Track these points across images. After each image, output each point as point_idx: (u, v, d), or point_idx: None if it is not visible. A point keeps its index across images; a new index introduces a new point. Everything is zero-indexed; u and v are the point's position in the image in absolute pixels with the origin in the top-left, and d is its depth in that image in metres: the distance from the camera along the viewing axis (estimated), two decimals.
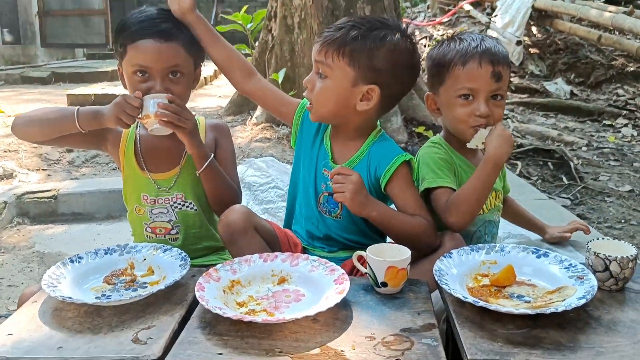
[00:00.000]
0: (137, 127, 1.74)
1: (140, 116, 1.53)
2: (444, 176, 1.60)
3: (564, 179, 3.68)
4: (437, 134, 1.78)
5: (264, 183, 2.83)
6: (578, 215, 3.05)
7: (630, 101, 6.30)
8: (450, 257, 1.40)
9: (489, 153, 1.54)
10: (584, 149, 4.57)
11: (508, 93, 1.64)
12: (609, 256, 1.30)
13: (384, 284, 1.31)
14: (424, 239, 1.51)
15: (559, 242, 2.00)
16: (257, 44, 5.25)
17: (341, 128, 1.66)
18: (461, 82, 1.60)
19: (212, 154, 1.66)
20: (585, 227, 1.98)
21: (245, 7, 5.56)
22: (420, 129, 4.22)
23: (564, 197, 3.40)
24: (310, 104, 1.63)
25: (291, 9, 4.49)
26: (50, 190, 3.16)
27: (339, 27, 1.57)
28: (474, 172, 1.57)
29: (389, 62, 1.55)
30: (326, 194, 1.66)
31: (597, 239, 1.42)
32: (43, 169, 3.71)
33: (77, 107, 1.61)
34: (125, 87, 1.66)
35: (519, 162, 3.84)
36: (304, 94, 1.64)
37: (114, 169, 3.71)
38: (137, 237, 1.79)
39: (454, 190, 1.58)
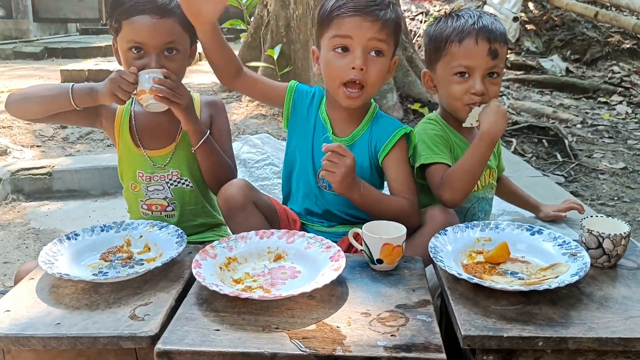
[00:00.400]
0: (132, 103, 1.73)
1: (135, 92, 1.52)
2: (440, 152, 1.60)
3: (558, 156, 3.69)
4: (434, 111, 1.78)
5: (260, 160, 2.83)
6: (572, 193, 3.07)
7: (626, 78, 6.29)
8: (445, 234, 1.41)
9: (484, 129, 1.54)
10: (579, 126, 4.57)
11: (504, 70, 1.63)
12: (602, 233, 1.32)
13: (380, 261, 1.32)
14: (405, 221, 1.46)
15: (554, 220, 2.02)
16: (252, 19, 5.19)
17: None
18: (457, 60, 1.60)
19: (208, 131, 1.65)
20: (579, 206, 2.00)
21: None
22: (416, 106, 4.21)
23: (558, 174, 3.41)
24: (356, 89, 1.56)
25: None
26: (44, 167, 3.14)
27: (377, 2, 1.55)
28: (469, 148, 1.57)
29: (401, 29, 1.62)
30: None
31: (591, 216, 1.43)
32: (37, 146, 3.69)
33: (71, 84, 1.59)
34: (120, 63, 1.65)
35: (513, 140, 3.84)
36: (353, 76, 1.55)
37: (108, 146, 3.69)
38: (133, 213, 1.79)
39: (449, 166, 1.58)
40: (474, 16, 1.62)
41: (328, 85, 1.64)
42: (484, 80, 1.59)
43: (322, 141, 1.65)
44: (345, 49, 1.55)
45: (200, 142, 1.62)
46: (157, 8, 1.56)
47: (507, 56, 6.93)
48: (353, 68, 1.53)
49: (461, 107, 1.62)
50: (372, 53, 1.55)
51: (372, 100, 1.71)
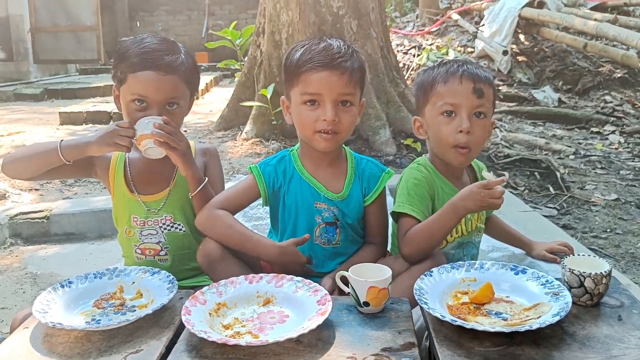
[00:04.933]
0: (124, 156, 1.78)
1: (135, 138, 1.56)
2: (413, 204, 1.64)
3: (551, 188, 3.73)
4: (424, 155, 1.82)
5: None
6: (564, 226, 3.10)
7: (618, 108, 6.38)
8: (431, 276, 1.44)
9: (453, 199, 1.57)
10: (572, 157, 4.62)
11: (496, 102, 1.68)
12: (584, 272, 1.34)
13: (366, 304, 1.34)
14: None
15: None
16: (246, 59, 5.30)
17: (325, 154, 1.69)
18: (443, 99, 1.64)
19: (206, 178, 1.69)
20: (568, 249, 1.98)
21: (234, 23, 5.61)
22: (409, 141, 4.27)
23: (550, 207, 3.44)
24: (331, 133, 1.61)
25: (279, 25, 4.55)
26: (42, 211, 3.18)
27: (344, 53, 1.61)
28: (436, 212, 1.60)
29: (366, 72, 1.71)
30: (323, 225, 1.70)
31: (572, 255, 1.47)
32: (35, 189, 3.73)
33: (60, 140, 1.64)
34: (120, 110, 1.71)
35: (505, 173, 3.88)
36: (322, 127, 1.61)
37: (104, 188, 3.72)
38: (128, 258, 1.82)
39: (418, 220, 1.62)
40: (459, 62, 1.69)
41: (301, 133, 1.69)
42: (470, 118, 1.63)
43: (314, 200, 1.69)
44: (314, 102, 1.61)
45: (199, 189, 1.65)
46: (164, 65, 1.62)
47: (500, 88, 7.05)
48: (324, 120, 1.59)
49: (449, 149, 1.65)
50: (341, 104, 1.61)
51: (343, 147, 1.77)
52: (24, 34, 10.31)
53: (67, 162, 1.61)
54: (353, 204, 1.70)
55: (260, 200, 2.81)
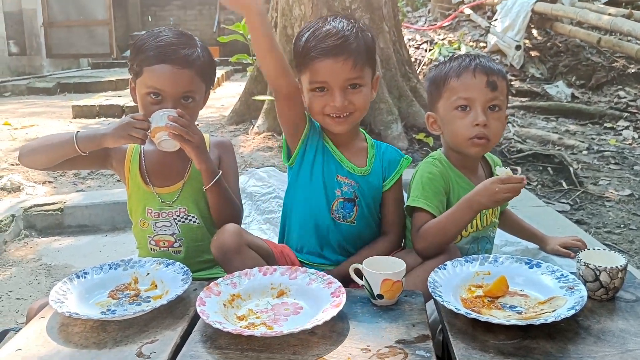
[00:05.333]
0: (139, 148, 1.79)
1: (149, 130, 1.57)
2: (427, 198, 1.64)
3: (564, 184, 3.70)
4: (438, 149, 1.81)
5: (266, 193, 2.87)
6: (577, 221, 3.08)
7: (632, 103, 6.31)
8: (445, 269, 1.44)
9: (468, 194, 1.56)
10: (585, 152, 4.59)
11: (509, 97, 1.67)
12: (599, 267, 1.34)
13: (380, 296, 1.34)
14: None
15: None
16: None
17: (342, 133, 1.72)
18: (457, 93, 1.64)
19: (220, 171, 1.70)
20: (581, 244, 1.97)
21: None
22: (421, 136, 4.26)
23: (563, 203, 3.42)
24: (344, 116, 1.65)
25: (291, 19, 4.55)
26: (56, 203, 3.20)
27: (346, 36, 1.60)
28: (451, 207, 1.60)
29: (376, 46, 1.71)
30: (341, 200, 1.72)
31: (588, 249, 1.46)
32: (49, 182, 3.76)
33: (75, 131, 1.65)
34: (136, 102, 1.72)
35: (518, 168, 3.87)
36: (335, 112, 1.64)
37: (118, 181, 3.76)
38: (142, 250, 1.83)
39: (433, 215, 1.62)
40: (471, 56, 1.69)
41: (314, 118, 1.71)
42: (485, 112, 1.62)
43: (335, 173, 1.72)
44: (323, 89, 1.63)
45: (213, 182, 1.66)
46: (180, 59, 1.63)
47: (512, 83, 7.01)
48: (334, 105, 1.62)
49: (465, 142, 1.65)
50: (350, 87, 1.63)
51: (361, 130, 1.81)
52: (37, 28, 10.38)
53: (82, 154, 1.62)
54: (373, 182, 1.73)
55: (272, 193, 2.85)
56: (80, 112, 5.65)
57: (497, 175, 1.55)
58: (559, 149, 4.55)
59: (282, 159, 1.82)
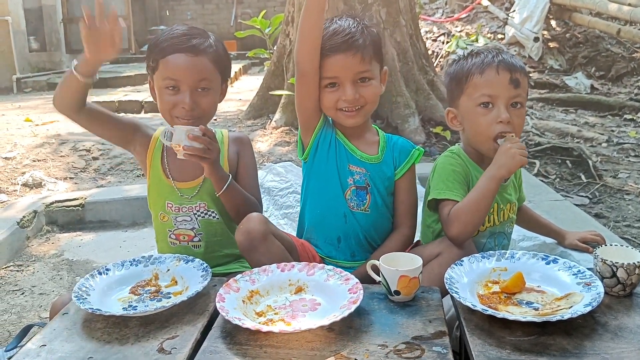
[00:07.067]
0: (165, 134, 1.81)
1: (171, 144, 1.61)
2: (453, 189, 1.64)
3: (583, 177, 3.67)
4: (457, 144, 1.81)
5: (283, 188, 2.89)
6: (596, 215, 3.06)
7: None
8: (461, 265, 1.44)
9: (491, 169, 1.58)
10: (604, 144, 4.54)
11: (528, 89, 1.68)
12: (616, 263, 1.34)
13: (397, 293, 1.36)
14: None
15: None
16: (275, 48, 5.31)
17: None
18: (480, 90, 1.64)
19: (230, 176, 1.71)
20: (600, 238, 1.96)
21: (263, 12, 5.61)
22: (438, 129, 4.24)
23: (582, 196, 3.40)
24: (356, 109, 1.69)
25: None
26: (77, 199, 3.26)
27: (354, 32, 1.66)
28: (475, 185, 1.60)
29: (381, 42, 1.75)
30: (354, 188, 1.75)
31: (605, 245, 1.46)
32: (70, 178, 3.82)
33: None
34: (156, 101, 1.75)
35: (537, 161, 3.84)
36: (346, 105, 1.69)
37: (138, 176, 3.80)
38: (160, 242, 1.86)
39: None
40: (492, 52, 1.68)
41: (327, 113, 1.76)
42: (508, 108, 1.62)
43: (347, 163, 1.75)
44: (334, 84, 1.69)
45: (224, 188, 1.68)
46: (192, 47, 1.67)
47: (531, 74, 6.94)
48: (345, 100, 1.67)
49: (487, 140, 1.64)
50: (360, 81, 1.68)
51: (374, 126, 1.84)
52: (57, 24, 10.49)
53: (84, 80, 1.60)
54: (384, 170, 1.76)
55: (290, 188, 2.86)
56: None
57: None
58: (577, 142, 4.51)
59: (298, 154, 1.85)
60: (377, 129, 1.85)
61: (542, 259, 1.46)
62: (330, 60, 1.66)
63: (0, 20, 8.40)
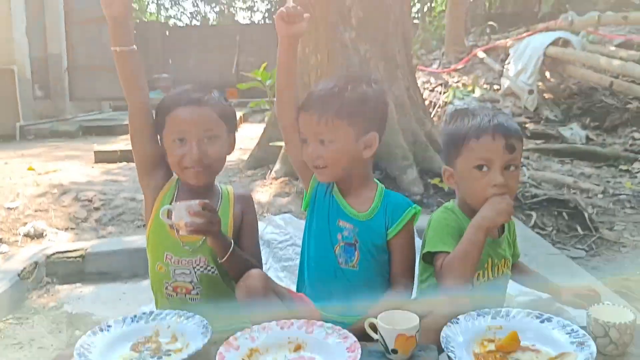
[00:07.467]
0: (177, 184, 1.86)
1: (173, 222, 1.66)
2: (447, 242, 1.68)
3: (579, 229, 3.71)
4: (452, 200, 1.86)
5: (283, 240, 2.93)
6: (593, 268, 3.09)
7: None
8: (457, 323, 1.47)
9: (477, 219, 1.63)
10: (600, 196, 4.60)
11: (524, 139, 1.74)
12: (608, 322, 1.36)
13: (395, 351, 1.38)
14: None
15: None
16: (275, 99, 5.42)
17: (348, 179, 1.80)
18: (476, 154, 1.69)
19: (232, 243, 1.74)
20: (595, 294, 1.98)
21: (264, 64, 5.78)
22: (436, 181, 4.30)
23: (579, 249, 3.43)
24: (320, 167, 1.75)
25: (308, 67, 4.66)
26: (78, 250, 3.28)
27: (324, 94, 1.72)
28: (464, 235, 1.64)
29: (377, 108, 1.76)
30: (342, 244, 1.78)
31: (597, 304, 1.49)
32: (72, 228, 3.85)
33: None
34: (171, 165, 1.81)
35: (533, 213, 3.88)
36: (310, 163, 1.77)
37: (138, 227, 3.83)
38: (157, 292, 1.87)
39: None
40: (489, 114, 1.73)
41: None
42: (503, 172, 1.67)
43: (336, 218, 1.78)
44: (305, 140, 1.76)
45: (227, 256, 1.72)
46: (195, 99, 1.75)
47: (526, 125, 7.06)
48: (308, 155, 1.76)
49: (482, 201, 1.68)
50: (320, 141, 1.73)
51: (375, 180, 1.86)
52: (62, 72, 10.68)
53: (120, 49, 1.77)
54: (374, 227, 1.77)
55: (289, 241, 2.90)
56: (102, 157, 5.80)
57: None
58: (574, 193, 4.57)
59: (302, 206, 1.91)
60: (379, 184, 1.86)
61: (537, 317, 1.49)
62: (300, 117, 1.75)
63: (6, 69, 8.56)
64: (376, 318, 1.43)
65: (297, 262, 2.73)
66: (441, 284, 1.63)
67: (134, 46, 1.80)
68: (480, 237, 1.61)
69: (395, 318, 1.44)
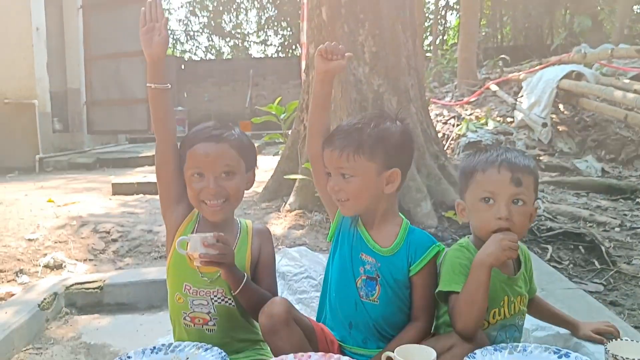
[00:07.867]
0: (197, 217, 1.90)
1: (187, 252, 1.70)
2: (459, 281, 1.69)
3: (596, 263, 3.68)
4: (467, 236, 1.88)
5: (298, 273, 2.93)
6: (611, 302, 3.06)
7: None
8: (474, 358, 1.48)
9: (478, 257, 1.65)
10: (617, 229, 4.56)
11: (538, 172, 1.76)
12: (627, 358, 1.37)
13: None
14: None
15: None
16: (290, 133, 5.50)
17: (371, 213, 1.83)
18: (482, 186, 1.73)
19: (245, 276, 1.78)
20: (615, 330, 1.97)
21: (279, 99, 5.88)
22: (450, 214, 4.31)
23: (596, 283, 3.40)
24: (343, 200, 1.79)
25: None
26: (96, 281, 3.32)
27: (346, 130, 1.78)
28: (467, 277, 1.66)
29: (399, 145, 1.79)
30: (364, 277, 1.80)
31: (616, 339, 1.49)
32: (90, 259, 3.90)
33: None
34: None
35: (549, 247, 3.87)
36: (334, 196, 1.82)
37: (155, 259, 3.87)
38: (175, 322, 1.90)
39: None
40: (499, 150, 1.77)
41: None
42: (508, 205, 1.69)
43: (360, 251, 1.82)
44: (328, 173, 1.82)
45: (240, 288, 1.75)
46: (214, 136, 1.81)
47: (541, 158, 7.06)
48: (329, 190, 1.81)
49: (488, 234, 1.70)
50: (343, 174, 1.77)
51: (401, 215, 1.88)
52: (80, 106, 10.90)
53: (154, 86, 1.84)
54: (396, 263, 1.79)
55: (304, 273, 2.91)
56: (120, 189, 5.88)
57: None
58: (590, 226, 4.54)
59: (328, 236, 1.96)
60: (404, 219, 1.88)
61: (554, 352, 1.50)
62: (324, 151, 1.81)
63: (27, 103, 8.76)
64: (393, 352, 1.45)
65: (312, 294, 2.76)
66: (454, 327, 1.65)
67: (169, 85, 1.87)
68: (483, 276, 1.62)
69: (413, 352, 1.45)
